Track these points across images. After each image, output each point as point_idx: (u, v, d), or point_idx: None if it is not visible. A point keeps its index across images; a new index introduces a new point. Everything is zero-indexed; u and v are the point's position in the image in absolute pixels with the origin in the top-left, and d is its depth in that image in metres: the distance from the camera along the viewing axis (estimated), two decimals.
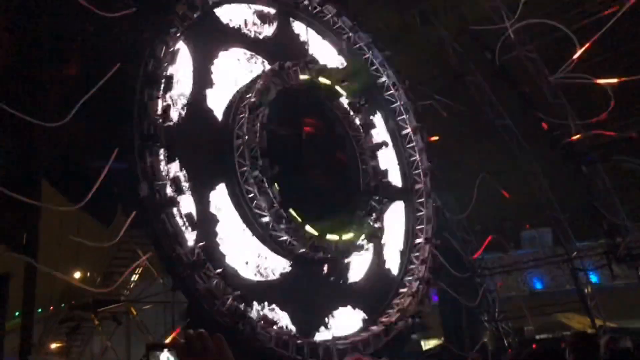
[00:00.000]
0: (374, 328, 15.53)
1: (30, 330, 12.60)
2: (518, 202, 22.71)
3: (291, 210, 14.33)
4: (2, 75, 11.71)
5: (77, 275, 16.40)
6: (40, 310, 17.29)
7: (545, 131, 19.93)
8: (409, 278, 17.08)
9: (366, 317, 15.80)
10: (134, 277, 15.61)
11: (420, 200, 18.17)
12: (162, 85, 13.21)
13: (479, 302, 21.31)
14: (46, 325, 16.51)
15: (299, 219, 14.44)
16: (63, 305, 16.78)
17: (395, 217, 17.86)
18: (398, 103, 18.56)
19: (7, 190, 11.03)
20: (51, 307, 16.68)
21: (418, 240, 17.71)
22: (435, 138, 18.85)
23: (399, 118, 18.63)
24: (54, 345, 17.28)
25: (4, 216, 12.12)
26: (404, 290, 16.80)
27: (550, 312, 24.25)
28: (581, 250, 22.80)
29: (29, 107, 11.70)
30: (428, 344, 25.44)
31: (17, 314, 13.04)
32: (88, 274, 16.64)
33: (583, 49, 15.25)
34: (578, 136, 19.32)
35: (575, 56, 15.35)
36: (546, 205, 22.39)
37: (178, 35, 13.81)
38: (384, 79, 18.50)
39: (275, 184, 14.12)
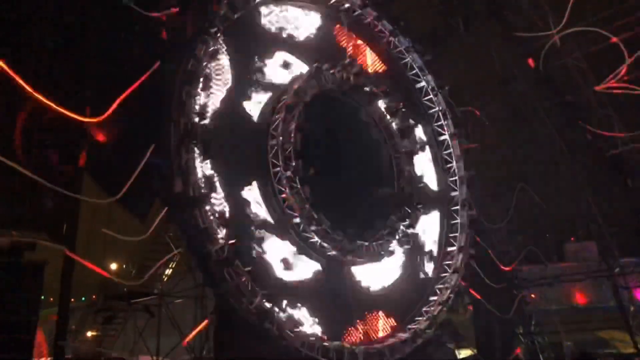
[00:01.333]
0: (402, 334, 15.38)
1: (66, 317, 13.00)
2: (562, 214, 22.15)
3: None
4: (48, 72, 12.12)
5: (114, 266, 16.90)
6: (83, 299, 17.90)
7: (590, 142, 19.33)
8: (440, 286, 16.84)
9: (394, 323, 15.65)
10: (167, 271, 15.93)
11: (456, 208, 17.89)
12: (201, 84, 13.46)
13: (513, 313, 20.79)
14: (83, 313, 17.05)
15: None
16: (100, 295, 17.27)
17: (429, 224, 17.63)
18: (437, 108, 18.34)
19: (48, 183, 11.47)
20: (93, 296, 17.24)
21: (451, 249, 17.45)
22: (473, 145, 18.50)
23: (437, 124, 18.40)
24: (89, 333, 17.83)
25: (46, 206, 12.54)
26: (435, 298, 16.57)
27: (590, 329, 23.52)
28: (625, 267, 21.99)
29: (73, 103, 12.11)
30: (461, 354, 25.05)
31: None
32: (124, 265, 17.09)
33: (632, 58, 14.77)
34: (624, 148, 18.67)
35: (624, 66, 14.88)
36: (591, 219, 21.70)
37: (218, 35, 14.02)
38: (422, 83, 18.32)
39: (308, 186, 14.15)
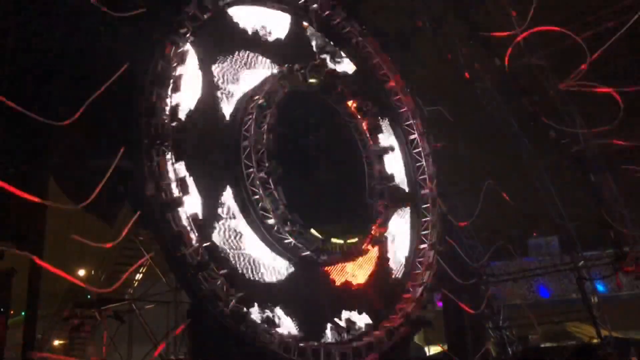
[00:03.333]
0: (377, 332, 15.47)
1: (34, 326, 12.64)
2: (525, 210, 22.61)
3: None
4: (11, 74, 11.75)
5: (82, 273, 16.50)
6: (45, 308, 17.39)
7: (553, 139, 19.80)
8: (413, 283, 17.02)
9: (369, 322, 15.73)
10: (138, 276, 15.66)
11: (426, 205, 18.12)
12: (171, 86, 13.25)
13: (482, 309, 21.16)
14: (50, 322, 16.60)
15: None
16: (67, 302, 16.86)
17: (400, 222, 17.82)
18: (405, 108, 18.53)
19: (14, 188, 11.11)
20: (55, 305, 16.76)
21: (423, 246, 17.67)
22: (441, 144, 18.78)
23: (406, 123, 18.60)
24: (56, 342, 17.38)
25: (11, 213, 12.16)
26: (408, 295, 16.73)
27: (556, 321, 24.11)
28: (588, 260, 22.60)
29: (37, 106, 11.76)
30: (432, 350, 25.37)
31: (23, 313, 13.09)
32: (92, 272, 16.71)
33: (593, 57, 15.20)
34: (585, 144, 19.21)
35: (585, 64, 15.30)
36: (553, 214, 22.20)
37: (187, 35, 13.85)
38: (392, 83, 18.47)
39: (280, 187, 14.11)
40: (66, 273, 12.95)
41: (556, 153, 20.23)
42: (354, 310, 15.67)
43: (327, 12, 17.43)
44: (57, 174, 13.48)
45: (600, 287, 23.99)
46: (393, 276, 17.17)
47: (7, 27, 11.81)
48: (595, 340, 20.75)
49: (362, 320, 15.72)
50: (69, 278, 13.22)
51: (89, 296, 15.41)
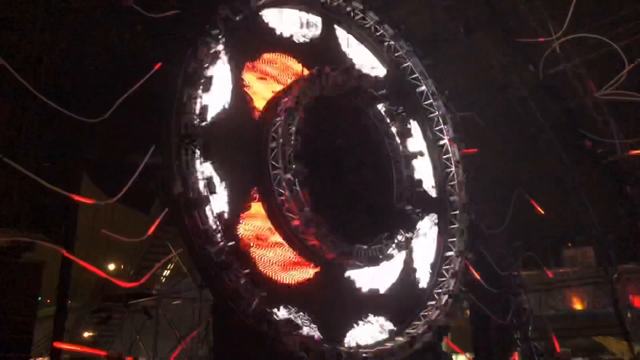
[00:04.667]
0: (400, 339, 15.37)
1: (63, 317, 12.98)
2: (560, 220, 22.16)
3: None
4: (48, 72, 12.11)
5: (112, 267, 16.86)
6: (70, 302, 17.80)
7: (589, 148, 19.36)
8: (438, 291, 16.84)
9: (393, 328, 15.63)
10: (165, 273, 15.90)
11: (455, 212, 17.91)
12: (201, 86, 13.43)
13: (510, 319, 20.77)
14: (79, 314, 17.01)
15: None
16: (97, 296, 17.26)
17: (428, 228, 17.65)
18: (437, 113, 18.38)
19: (48, 183, 11.44)
20: (85, 297, 17.16)
21: (449, 253, 17.46)
22: (472, 150, 18.52)
23: (436, 128, 18.44)
24: (85, 334, 17.80)
25: (45, 207, 12.52)
26: (433, 302, 16.57)
27: (587, 334, 23.55)
28: (623, 273, 22.02)
29: (73, 103, 12.10)
30: (458, 359, 25.02)
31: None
32: (122, 266, 17.05)
33: (631, 65, 14.81)
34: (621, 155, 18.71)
35: (623, 73, 14.92)
36: (589, 225, 21.73)
37: (220, 37, 14.01)
38: (423, 87, 18.36)
39: (307, 189, 14.14)
40: (96, 267, 13.31)
41: (591, 163, 19.75)
42: (378, 315, 15.58)
43: (359, 16, 17.41)
44: (91, 170, 13.83)
45: (635, 302, 23.32)
46: (418, 283, 17.02)
47: (46, 27, 12.19)
48: (627, 357, 20.20)
49: (385, 325, 15.63)
50: (98, 272, 13.57)
51: (117, 290, 15.71)
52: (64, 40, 12.23)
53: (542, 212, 19.37)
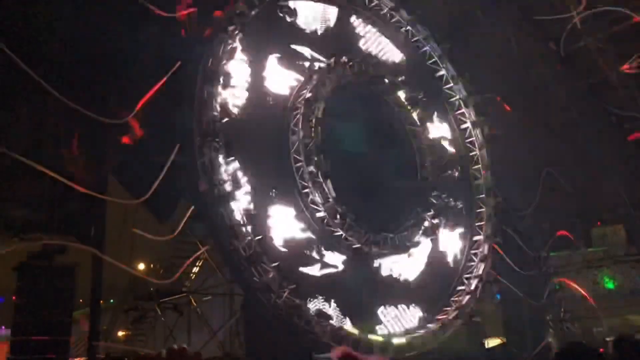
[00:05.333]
0: (431, 325, 15.33)
1: (98, 317, 13.24)
2: (588, 199, 21.80)
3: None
4: (71, 75, 12.27)
5: (141, 267, 17.08)
6: (112, 301, 18.16)
7: (615, 124, 18.99)
8: (468, 276, 16.73)
9: (423, 314, 15.60)
10: (195, 269, 16.07)
11: (481, 196, 17.74)
12: (221, 82, 13.51)
13: (544, 300, 20.53)
14: (113, 314, 17.29)
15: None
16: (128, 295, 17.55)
17: (454, 213, 17.50)
18: (457, 96, 18.19)
19: (75, 184, 11.64)
20: (118, 297, 17.46)
21: (477, 238, 17.32)
22: (497, 132, 18.26)
23: (458, 112, 18.24)
24: (120, 333, 18.10)
25: (73, 209, 12.73)
26: (462, 287, 16.48)
27: (622, 314, 23.16)
28: None
29: (96, 105, 12.26)
30: (490, 343, 24.84)
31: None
32: (152, 265, 17.27)
33: None
34: None
35: None
36: (618, 202, 21.33)
37: (236, 32, 14.04)
38: (442, 72, 18.17)
39: (329, 180, 14.14)
40: (127, 266, 13.51)
41: (618, 139, 19.37)
42: (407, 303, 15.56)
43: (374, 3, 17.27)
44: (117, 170, 14.00)
45: None
46: (446, 268, 16.92)
47: (67, 29, 12.34)
48: None
49: (415, 313, 15.61)
50: (129, 270, 13.79)
51: (152, 288, 15.93)
52: (86, 41, 12.35)
53: (571, 190, 19.03)
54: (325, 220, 14.24)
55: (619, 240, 25.68)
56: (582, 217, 24.52)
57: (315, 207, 14.20)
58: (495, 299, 22.07)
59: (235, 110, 13.82)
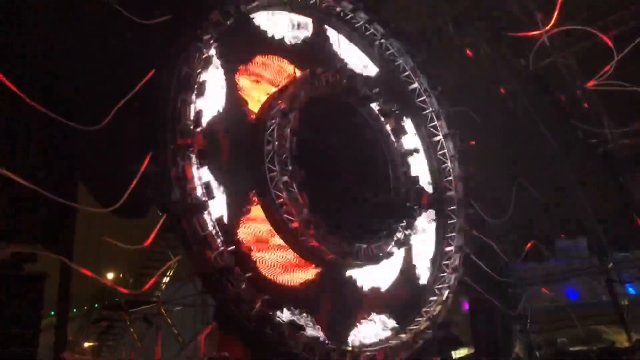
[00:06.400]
0: (403, 336, 15.42)
1: (65, 328, 12.90)
2: (552, 211, 22.26)
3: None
4: (43, 80, 12.03)
5: (110, 276, 16.73)
6: (74, 310, 17.70)
7: (581, 139, 19.50)
8: (439, 286, 16.91)
9: (395, 325, 15.69)
10: (165, 279, 15.80)
11: (452, 208, 17.99)
12: (195, 91, 13.40)
13: (508, 311, 20.82)
14: (80, 324, 16.88)
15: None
16: (96, 305, 17.15)
17: (426, 224, 17.70)
18: (430, 109, 18.46)
19: (44, 191, 11.36)
20: (85, 307, 17.06)
21: (449, 249, 17.54)
22: (468, 144, 18.59)
23: (430, 124, 18.52)
24: (86, 344, 17.65)
25: (41, 217, 12.42)
26: (434, 298, 16.64)
27: (585, 324, 23.64)
28: (618, 262, 22.16)
29: (67, 111, 12.02)
30: (458, 354, 25.07)
31: (52, 313, 13.36)
32: (121, 275, 16.92)
33: (620, 55, 14.95)
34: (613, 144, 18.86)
35: (612, 63, 15.05)
36: (581, 215, 21.84)
37: (211, 42, 13.99)
38: (415, 85, 18.43)
39: (304, 190, 14.14)
40: (95, 275, 13.21)
41: (584, 153, 19.88)
42: (380, 313, 15.62)
43: (349, 15, 17.44)
44: (87, 178, 13.73)
45: (630, 290, 23.48)
46: (419, 279, 17.08)
47: (39, 35, 12.10)
48: (625, 344, 20.32)
49: (388, 323, 15.68)
50: (99, 280, 13.48)
51: (116, 299, 15.61)
52: (59, 47, 12.13)
53: (543, 201, 19.40)
54: (300, 230, 14.21)
55: (582, 253, 26.29)
56: (547, 229, 25.03)
57: (289, 217, 14.16)
58: (463, 309, 22.33)
59: (209, 119, 13.72)
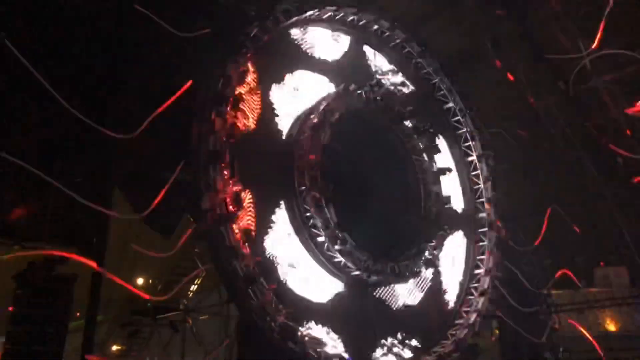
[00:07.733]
0: (427, 358, 15.18)
1: (93, 330, 13.19)
2: (592, 239, 21.75)
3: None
4: (81, 88, 12.46)
5: (140, 282, 17.08)
6: (103, 315, 18.07)
7: (621, 166, 19.01)
8: (467, 309, 16.63)
9: (419, 346, 15.45)
10: (193, 287, 16.05)
11: (483, 230, 17.72)
12: (230, 104, 13.62)
13: (545, 338, 20.33)
14: (108, 327, 17.24)
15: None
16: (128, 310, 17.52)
17: (456, 245, 17.49)
18: (464, 129, 18.30)
19: (80, 197, 11.71)
20: (114, 311, 17.42)
21: (478, 271, 17.25)
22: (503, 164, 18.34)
23: (464, 144, 18.34)
24: (114, 347, 18.02)
25: (77, 221, 12.80)
26: (461, 321, 16.36)
27: (622, 357, 22.92)
28: None
29: (105, 119, 12.42)
30: None
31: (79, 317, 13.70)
32: (150, 281, 17.26)
33: None
34: None
35: None
36: (622, 243, 21.25)
37: (248, 55, 14.23)
38: (450, 104, 18.32)
39: (332, 205, 14.15)
40: (125, 281, 13.51)
41: (623, 180, 19.37)
42: (405, 333, 15.43)
43: (386, 34, 17.51)
44: (122, 185, 14.10)
45: None
46: (446, 300, 16.83)
47: (78, 44, 12.56)
48: None
49: (412, 344, 15.46)
50: (127, 286, 13.77)
51: (149, 304, 15.89)
52: (97, 57, 12.57)
53: (578, 230, 19.00)
54: (326, 245, 14.21)
55: (622, 282, 25.52)
56: (585, 257, 24.42)
57: (316, 231, 14.19)
58: (492, 334, 21.93)
59: (242, 132, 13.92)
